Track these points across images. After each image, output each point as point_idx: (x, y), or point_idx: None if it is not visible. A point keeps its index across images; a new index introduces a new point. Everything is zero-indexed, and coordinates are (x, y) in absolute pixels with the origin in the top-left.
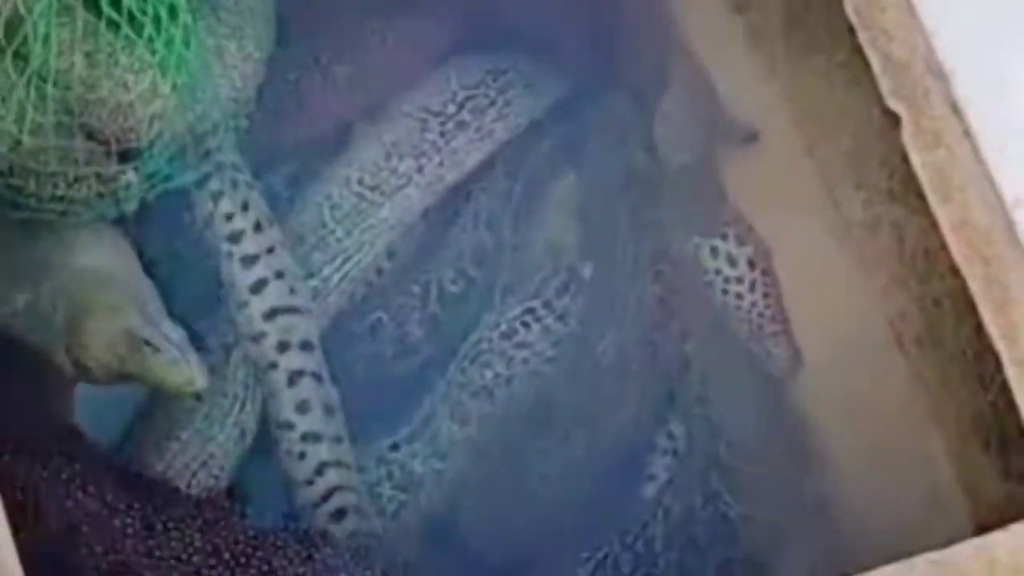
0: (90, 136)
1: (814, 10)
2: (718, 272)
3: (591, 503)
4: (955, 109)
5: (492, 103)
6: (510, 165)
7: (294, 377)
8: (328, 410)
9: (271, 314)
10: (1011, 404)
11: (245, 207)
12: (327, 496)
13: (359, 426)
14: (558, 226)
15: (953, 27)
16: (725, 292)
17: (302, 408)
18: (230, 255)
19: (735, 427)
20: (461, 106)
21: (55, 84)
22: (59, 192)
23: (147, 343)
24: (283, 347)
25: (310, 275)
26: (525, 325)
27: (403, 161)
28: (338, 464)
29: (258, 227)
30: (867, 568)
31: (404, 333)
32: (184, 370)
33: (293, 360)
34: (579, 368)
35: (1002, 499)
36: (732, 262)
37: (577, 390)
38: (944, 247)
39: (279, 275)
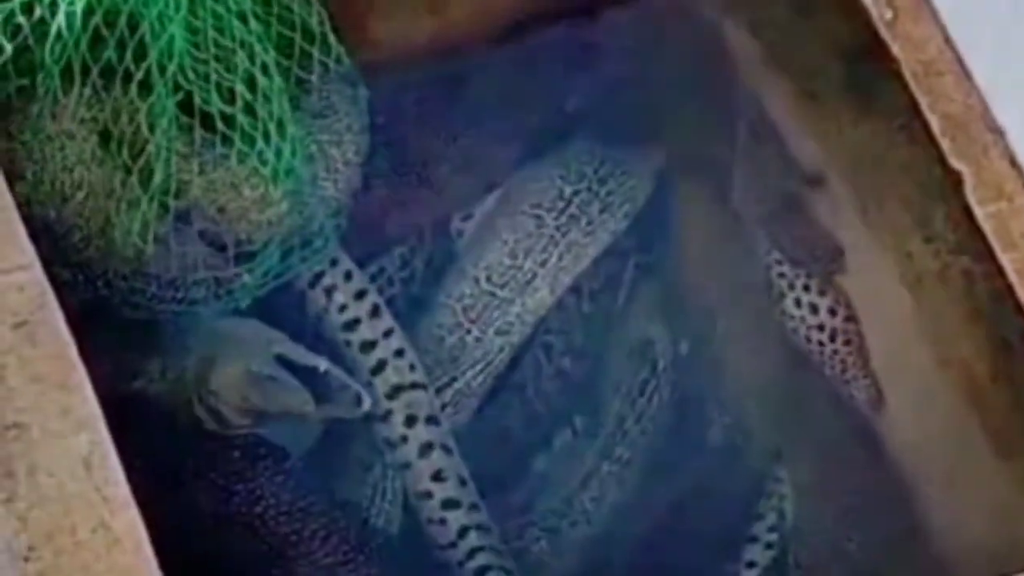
0: (208, 242)
1: (872, 77)
2: (802, 319)
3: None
4: (1013, 163)
5: (596, 195)
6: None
7: (424, 449)
8: (461, 480)
9: (394, 392)
10: None
11: (359, 296)
12: (471, 555)
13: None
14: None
15: (1007, 86)
16: (808, 340)
17: (437, 477)
18: (348, 343)
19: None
20: (569, 201)
21: (176, 196)
22: (178, 295)
23: (269, 378)
24: (410, 421)
25: (453, 379)
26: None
27: (527, 258)
28: (479, 528)
29: (374, 313)
30: None
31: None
32: (304, 396)
33: (421, 433)
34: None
35: None
36: (814, 310)
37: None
38: (1011, 291)
39: (398, 354)
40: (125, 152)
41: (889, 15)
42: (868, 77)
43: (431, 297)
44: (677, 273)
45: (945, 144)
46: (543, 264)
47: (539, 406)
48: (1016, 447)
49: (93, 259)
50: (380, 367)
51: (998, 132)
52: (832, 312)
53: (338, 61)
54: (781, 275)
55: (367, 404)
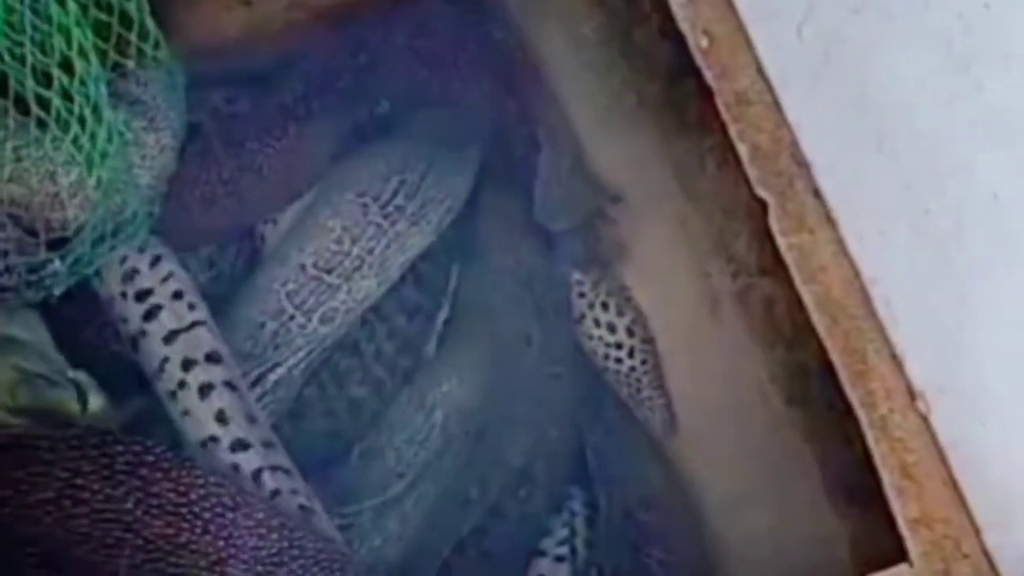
0: (20, 227)
1: (688, 98)
2: (600, 339)
3: None
4: (817, 195)
5: (419, 188)
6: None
7: (205, 390)
8: (250, 418)
9: (170, 337)
10: (872, 467)
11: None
12: (271, 499)
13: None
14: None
15: (815, 122)
16: (606, 357)
17: (221, 419)
18: (123, 295)
19: (637, 484)
20: (395, 191)
21: None
22: None
23: (39, 376)
24: (188, 365)
25: (275, 365)
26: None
27: (355, 244)
28: (274, 468)
29: (164, 280)
30: None
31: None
32: (71, 395)
33: (200, 374)
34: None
35: (870, 548)
36: (612, 329)
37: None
38: (809, 321)
39: (176, 296)
40: None
41: (705, 42)
42: (682, 99)
43: (257, 283)
44: (490, 289)
45: (752, 172)
46: (370, 252)
47: (355, 400)
48: (810, 471)
49: None
50: (153, 312)
51: (804, 165)
52: (630, 332)
53: (156, 47)
54: (581, 294)
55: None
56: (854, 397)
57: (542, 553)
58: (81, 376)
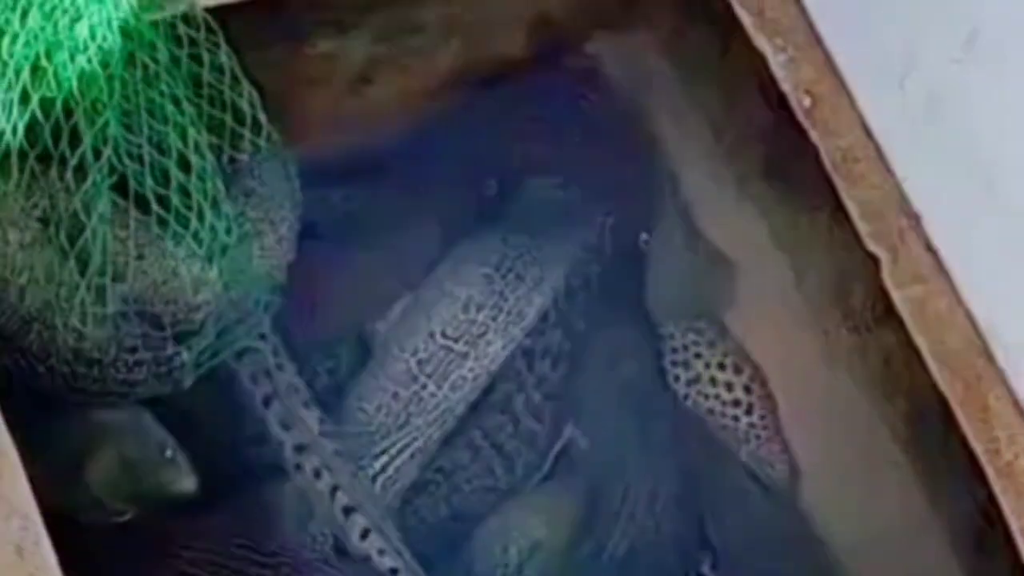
0: (146, 323)
1: (793, 160)
2: (717, 397)
3: None
4: (929, 247)
5: (535, 259)
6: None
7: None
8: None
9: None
10: (1000, 514)
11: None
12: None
13: None
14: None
15: (923, 173)
16: (723, 416)
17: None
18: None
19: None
20: (513, 262)
21: (113, 279)
22: (120, 376)
23: (143, 459)
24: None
25: (413, 439)
26: None
27: (480, 312)
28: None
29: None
30: None
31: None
32: (181, 470)
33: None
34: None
35: None
36: (729, 388)
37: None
38: (927, 370)
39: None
40: (63, 236)
41: (808, 102)
42: (787, 161)
43: (389, 352)
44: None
45: (862, 228)
46: (495, 318)
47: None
48: (936, 522)
49: (35, 345)
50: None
51: (914, 217)
52: (747, 389)
53: (269, 140)
54: (698, 355)
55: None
56: (977, 446)
57: None
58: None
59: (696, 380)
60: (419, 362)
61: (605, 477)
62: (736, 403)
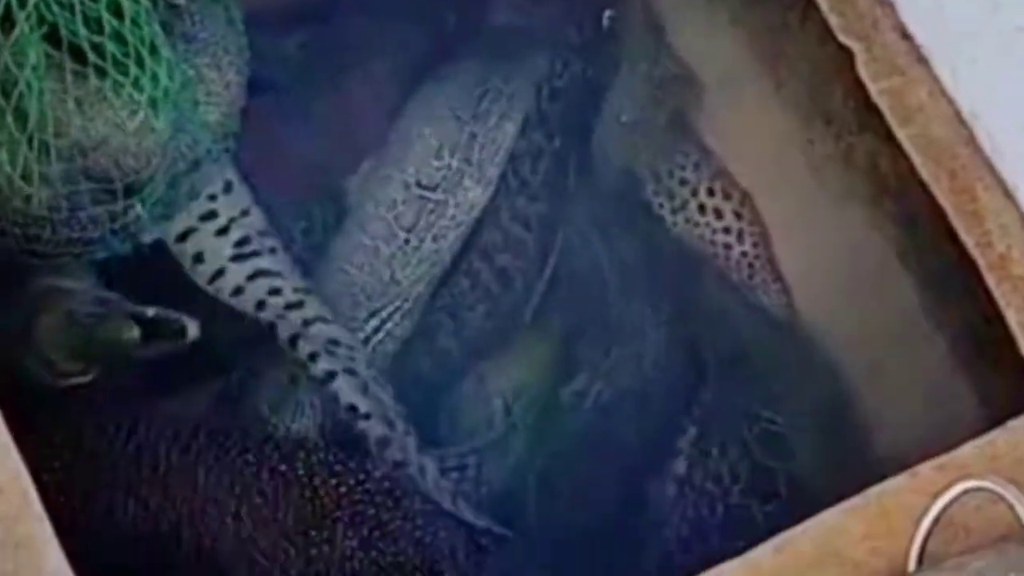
0: (94, 178)
1: None
2: (707, 225)
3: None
4: (904, 35)
5: (500, 93)
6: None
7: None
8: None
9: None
10: (997, 309)
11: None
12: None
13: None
14: None
15: None
16: (714, 244)
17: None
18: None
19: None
20: (480, 99)
21: (55, 135)
22: (74, 235)
23: (90, 315)
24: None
25: (396, 283)
26: None
27: (454, 156)
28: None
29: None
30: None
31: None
32: (128, 324)
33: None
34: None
35: (1000, 398)
36: (719, 215)
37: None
38: (912, 168)
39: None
40: None
41: None
42: None
43: (364, 206)
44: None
45: (834, 21)
46: (468, 161)
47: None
48: (937, 325)
49: None
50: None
51: (887, 5)
52: (738, 215)
53: None
54: (683, 181)
55: (192, 333)
56: (968, 240)
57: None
58: (151, 311)
59: (683, 207)
60: (397, 216)
61: (589, 314)
62: (726, 230)
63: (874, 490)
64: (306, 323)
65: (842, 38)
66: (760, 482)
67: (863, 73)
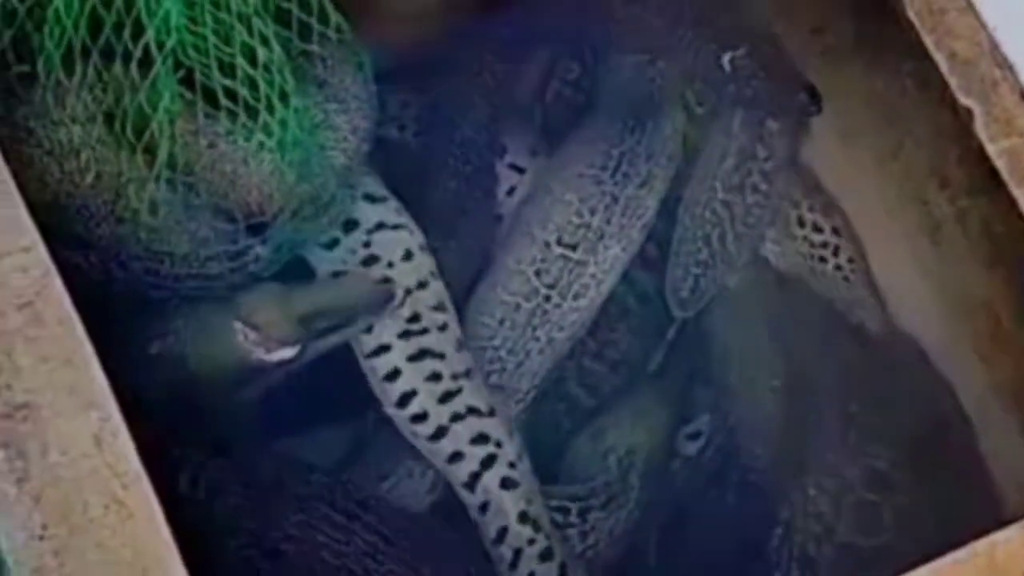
0: (219, 216)
1: (879, 25)
2: (804, 239)
3: None
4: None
5: (639, 152)
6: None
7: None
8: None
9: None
10: None
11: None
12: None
13: None
14: None
15: (1013, 19)
16: (811, 258)
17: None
18: None
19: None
20: (619, 160)
21: (184, 173)
22: (193, 270)
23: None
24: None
25: (536, 339)
26: None
27: (594, 216)
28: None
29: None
30: None
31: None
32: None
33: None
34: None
35: None
36: (818, 229)
37: None
38: None
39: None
40: (129, 131)
41: None
42: (875, 25)
43: (503, 264)
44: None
45: (953, 82)
46: (609, 221)
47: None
48: None
49: (106, 240)
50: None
51: (1007, 67)
52: (836, 232)
53: (338, 31)
54: (788, 196)
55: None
56: None
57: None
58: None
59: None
60: (538, 272)
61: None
62: (824, 244)
63: (984, 542)
64: (455, 417)
65: (962, 99)
66: (865, 517)
67: (982, 134)
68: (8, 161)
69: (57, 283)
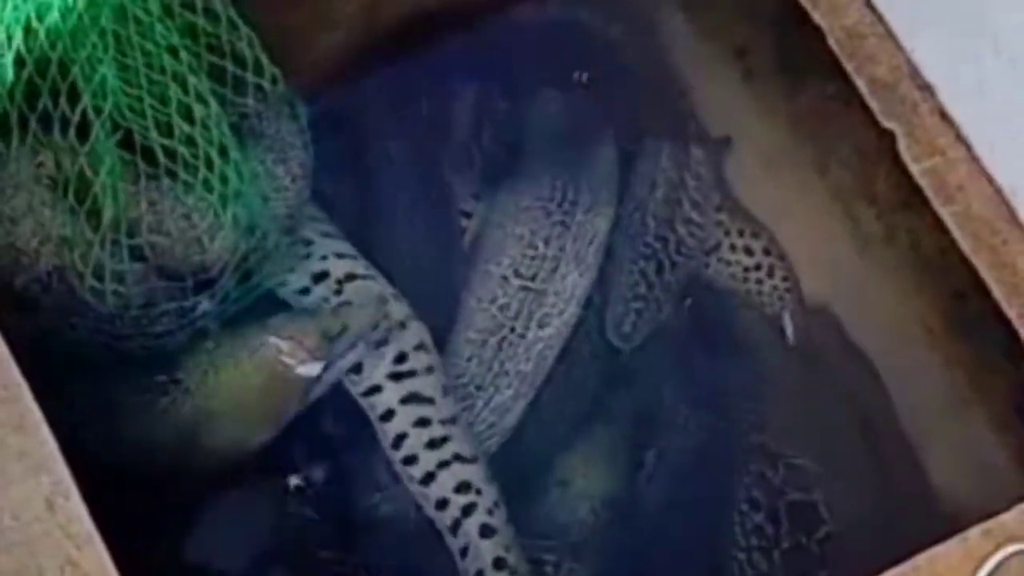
0: (166, 275)
1: (800, 49)
2: (738, 263)
3: None
4: (944, 117)
5: (581, 182)
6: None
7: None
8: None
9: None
10: None
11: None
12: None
13: None
14: None
15: (930, 43)
16: (745, 281)
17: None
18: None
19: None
20: (564, 190)
21: (127, 235)
22: (145, 330)
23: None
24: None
25: (505, 373)
26: None
27: (548, 245)
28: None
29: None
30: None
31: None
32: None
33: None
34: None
35: None
36: (749, 252)
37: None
38: (955, 244)
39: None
40: (72, 196)
41: None
42: (796, 49)
43: (465, 303)
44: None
45: (875, 105)
46: (562, 248)
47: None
48: (982, 395)
49: (56, 305)
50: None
51: (927, 89)
52: (767, 252)
53: (273, 82)
54: (718, 222)
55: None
56: (1011, 312)
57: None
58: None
59: (715, 248)
60: (500, 307)
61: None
62: (757, 267)
63: (924, 556)
64: (442, 464)
65: (884, 122)
66: (802, 517)
67: (905, 155)
68: None
69: (3, 349)
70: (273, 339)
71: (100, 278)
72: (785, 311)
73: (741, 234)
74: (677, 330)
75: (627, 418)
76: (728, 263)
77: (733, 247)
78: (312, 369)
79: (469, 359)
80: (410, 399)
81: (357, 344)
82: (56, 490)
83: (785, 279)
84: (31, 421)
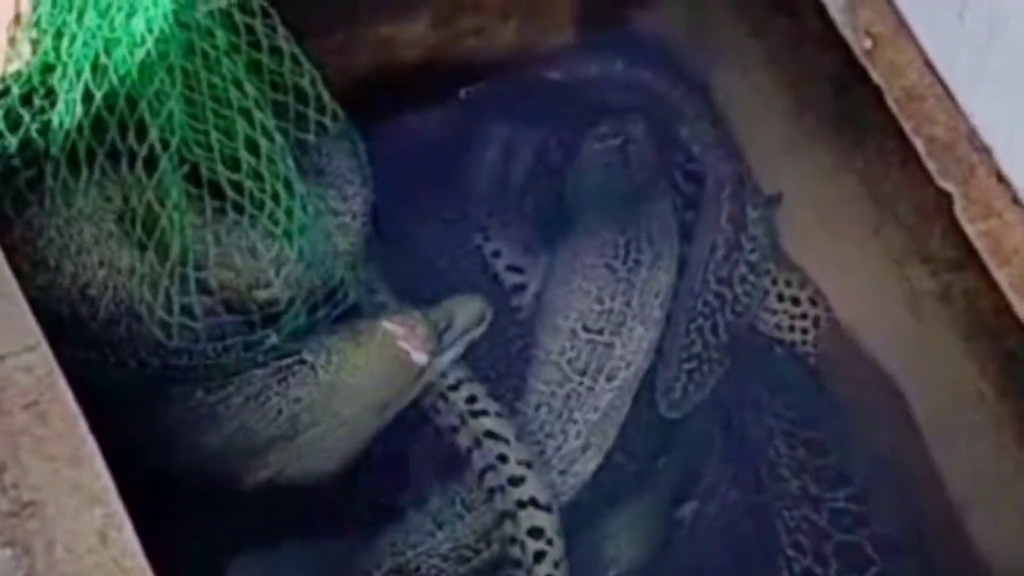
0: (232, 308)
1: (859, 109)
2: (784, 312)
3: None
4: (1000, 179)
5: (643, 239)
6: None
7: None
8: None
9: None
10: None
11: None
12: None
13: None
14: None
15: (989, 105)
16: (791, 330)
17: None
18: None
19: None
20: (628, 248)
21: (195, 268)
22: (210, 362)
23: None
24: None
25: (574, 422)
26: None
27: (613, 301)
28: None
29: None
30: None
31: None
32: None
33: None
34: None
35: None
36: (796, 302)
37: None
38: (1009, 306)
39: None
40: (139, 229)
41: (868, 44)
42: (854, 108)
43: (534, 355)
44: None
45: (932, 166)
46: (628, 303)
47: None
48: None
49: (123, 339)
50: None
51: (984, 151)
52: (813, 302)
53: (334, 118)
54: (766, 271)
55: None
56: None
57: None
58: None
59: (764, 296)
60: (568, 360)
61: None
62: (803, 316)
63: None
64: (520, 504)
65: (940, 182)
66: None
67: (960, 216)
68: (14, 262)
69: (61, 382)
70: (391, 325)
71: (168, 311)
72: (827, 360)
73: (788, 284)
74: (722, 383)
75: (671, 473)
76: (774, 312)
77: (780, 296)
78: (423, 357)
79: (538, 407)
80: (488, 436)
81: (458, 341)
82: (109, 523)
83: (832, 330)
84: (86, 453)
